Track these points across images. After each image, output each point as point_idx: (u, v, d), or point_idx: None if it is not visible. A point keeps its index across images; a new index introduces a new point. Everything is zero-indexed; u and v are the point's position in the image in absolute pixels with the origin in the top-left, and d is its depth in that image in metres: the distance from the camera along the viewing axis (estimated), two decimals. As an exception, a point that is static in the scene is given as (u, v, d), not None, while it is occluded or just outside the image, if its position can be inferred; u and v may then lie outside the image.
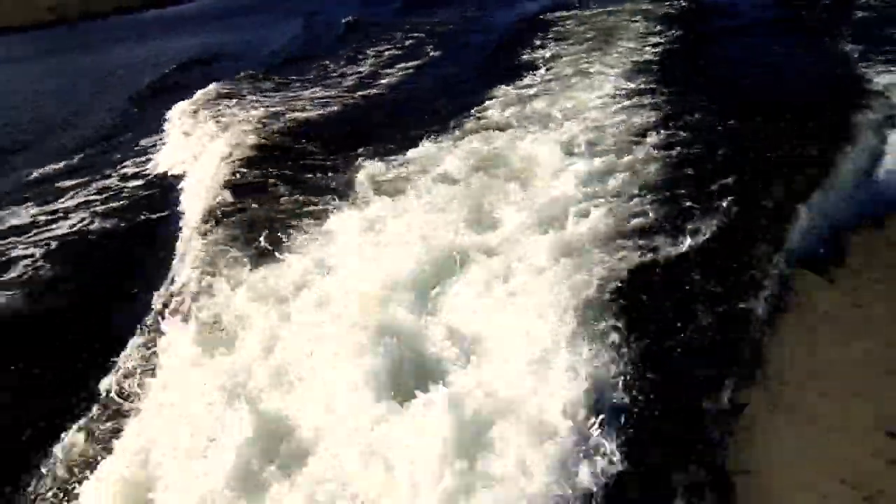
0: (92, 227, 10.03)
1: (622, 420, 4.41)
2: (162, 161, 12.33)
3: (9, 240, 9.94)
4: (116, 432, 5.34)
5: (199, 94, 15.54)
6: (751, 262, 5.82)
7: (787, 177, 7.14)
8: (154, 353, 6.15)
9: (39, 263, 8.95)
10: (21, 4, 68.86)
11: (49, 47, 39.72)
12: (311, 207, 8.23)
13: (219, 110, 13.74)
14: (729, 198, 6.84)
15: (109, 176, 12.19)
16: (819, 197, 6.75)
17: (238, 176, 9.43)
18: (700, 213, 6.66)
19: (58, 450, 5.32)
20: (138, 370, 5.99)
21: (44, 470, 5.19)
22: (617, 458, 4.12)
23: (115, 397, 5.75)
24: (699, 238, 6.20)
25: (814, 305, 5.38)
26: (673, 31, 14.69)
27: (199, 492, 4.40)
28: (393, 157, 9.45)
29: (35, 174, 13.15)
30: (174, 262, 8.03)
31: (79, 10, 64.65)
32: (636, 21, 15.84)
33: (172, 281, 7.50)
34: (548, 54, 14.05)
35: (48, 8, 70.54)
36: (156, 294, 7.29)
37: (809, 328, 5.14)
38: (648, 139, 8.63)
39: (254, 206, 8.45)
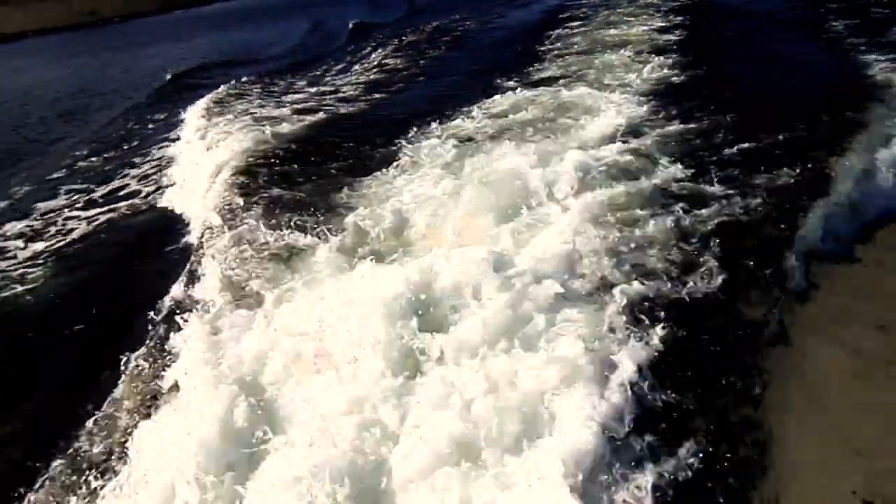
0: (99, 231, 9.32)
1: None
2: (172, 164, 11.55)
3: (15, 242, 9.37)
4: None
5: (209, 96, 14.72)
6: (764, 259, 5.30)
7: (799, 171, 6.53)
8: (163, 355, 5.56)
9: (46, 266, 8.30)
10: (62, 7, 68.61)
11: (83, 48, 39.34)
12: (317, 210, 7.51)
13: (229, 113, 12.89)
14: (736, 194, 6.27)
15: (121, 178, 11.47)
16: (830, 194, 6.17)
17: (247, 180, 8.67)
18: (709, 208, 6.07)
19: (69, 451, 4.83)
20: (147, 374, 5.43)
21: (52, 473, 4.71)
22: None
23: (125, 400, 5.22)
24: (711, 233, 5.64)
25: (827, 299, 4.98)
26: (678, 28, 13.75)
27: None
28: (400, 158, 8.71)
29: (47, 173, 12.54)
30: (184, 265, 7.27)
31: (115, 12, 64.35)
32: (638, 26, 14.78)
33: (182, 285, 6.77)
34: (553, 67, 12.64)
35: (90, 12, 70.35)
36: (164, 299, 6.60)
37: (826, 321, 4.76)
38: (651, 134, 7.95)
39: (261, 209, 7.71)
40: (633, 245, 5.56)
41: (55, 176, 12.30)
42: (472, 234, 6.02)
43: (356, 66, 17.22)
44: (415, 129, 9.83)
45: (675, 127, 8.22)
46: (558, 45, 14.36)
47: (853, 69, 9.69)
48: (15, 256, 8.84)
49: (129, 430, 4.75)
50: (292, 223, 7.17)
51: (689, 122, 8.30)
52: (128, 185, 11.08)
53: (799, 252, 5.44)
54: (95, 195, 10.84)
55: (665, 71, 10.69)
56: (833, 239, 5.76)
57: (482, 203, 6.33)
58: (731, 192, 6.32)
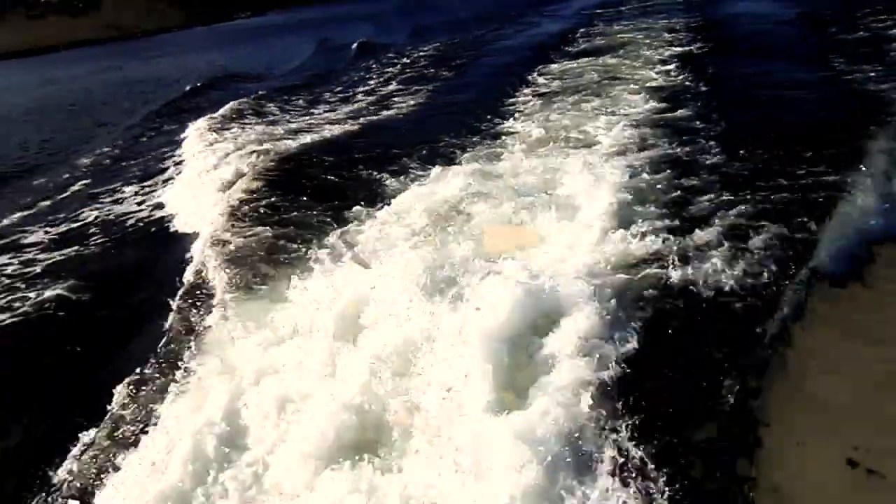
0: (102, 246, 8.64)
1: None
2: (179, 178, 10.73)
3: (21, 255, 8.70)
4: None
5: (215, 113, 13.96)
6: (770, 277, 4.90)
7: (806, 193, 6.05)
8: (168, 369, 5.08)
9: (51, 279, 7.63)
10: (91, 22, 68.61)
11: (108, 60, 38.98)
12: (323, 229, 6.93)
13: (234, 129, 12.25)
14: (746, 212, 5.79)
15: (124, 191, 10.76)
16: (838, 214, 5.72)
17: (249, 197, 8.07)
18: (718, 227, 5.57)
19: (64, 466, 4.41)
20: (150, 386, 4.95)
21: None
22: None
23: (126, 415, 4.73)
24: (718, 252, 5.18)
25: (832, 317, 4.63)
26: (688, 48, 13.03)
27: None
28: (405, 179, 8.03)
29: (54, 184, 11.91)
30: (186, 276, 6.75)
31: (140, 27, 64.32)
32: (649, 45, 14.17)
33: (183, 298, 6.26)
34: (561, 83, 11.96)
35: (117, 27, 70.43)
36: (168, 313, 6.05)
37: (829, 337, 4.43)
38: (659, 156, 7.31)
39: (264, 226, 7.17)
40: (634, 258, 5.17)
41: (62, 186, 11.70)
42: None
43: (363, 85, 16.61)
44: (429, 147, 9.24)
45: (678, 148, 7.67)
46: (555, 69, 13.78)
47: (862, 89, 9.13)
48: (21, 264, 8.32)
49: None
50: (298, 240, 6.64)
51: (694, 142, 7.75)
52: (133, 197, 10.45)
53: (805, 268, 5.02)
54: (102, 205, 10.22)
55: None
56: (840, 256, 5.27)
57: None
58: (735, 209, 5.87)
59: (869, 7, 14.52)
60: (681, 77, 10.99)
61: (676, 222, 5.72)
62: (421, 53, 20.33)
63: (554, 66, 13.57)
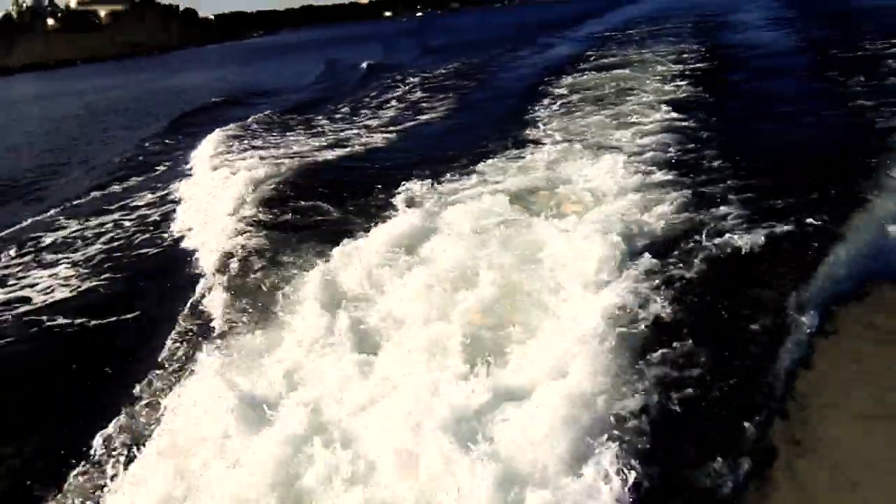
0: (111, 256, 8.26)
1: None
2: (188, 192, 10.31)
3: (30, 263, 8.33)
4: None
5: (228, 127, 14.04)
6: (774, 310, 4.72)
7: (810, 226, 5.83)
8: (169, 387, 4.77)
9: (59, 289, 7.32)
10: (107, 39, 69.53)
11: (124, 76, 39.44)
12: (333, 243, 6.60)
13: (246, 145, 12.21)
14: (748, 245, 5.56)
15: (134, 204, 10.41)
16: (841, 249, 5.48)
17: (259, 212, 7.99)
18: (719, 261, 5.40)
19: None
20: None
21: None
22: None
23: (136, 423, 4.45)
24: (721, 286, 5.07)
25: (833, 353, 4.45)
26: (693, 78, 12.91)
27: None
28: (419, 195, 7.77)
29: (69, 192, 11.78)
30: (196, 293, 6.42)
31: (149, 44, 65.27)
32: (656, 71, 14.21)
33: (192, 311, 6.01)
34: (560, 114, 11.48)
35: (133, 44, 71.36)
36: (176, 324, 5.79)
37: (833, 372, 4.29)
38: (661, 189, 7.00)
39: (272, 240, 7.04)
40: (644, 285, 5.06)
41: (74, 197, 11.35)
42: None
43: (380, 98, 16.91)
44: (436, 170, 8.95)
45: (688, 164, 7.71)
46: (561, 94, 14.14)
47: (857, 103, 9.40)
48: (32, 277, 7.86)
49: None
50: (307, 253, 6.47)
51: (704, 150, 7.98)
52: (143, 209, 10.13)
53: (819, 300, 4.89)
54: (113, 217, 9.89)
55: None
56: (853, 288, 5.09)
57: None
58: (742, 234, 5.75)
59: (868, 34, 15.13)
60: (692, 91, 11.39)
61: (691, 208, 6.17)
62: (432, 74, 20.66)
63: (571, 80, 14.09)
